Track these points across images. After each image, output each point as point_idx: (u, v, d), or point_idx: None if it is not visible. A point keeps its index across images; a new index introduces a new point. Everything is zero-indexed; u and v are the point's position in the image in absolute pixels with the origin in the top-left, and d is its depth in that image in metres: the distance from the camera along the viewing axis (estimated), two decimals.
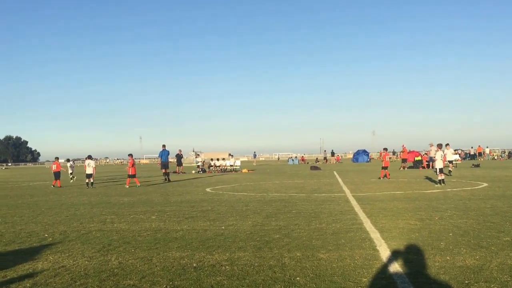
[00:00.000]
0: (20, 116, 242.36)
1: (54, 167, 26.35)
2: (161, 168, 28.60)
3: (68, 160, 31.86)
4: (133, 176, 24.50)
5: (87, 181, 24.52)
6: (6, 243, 8.72)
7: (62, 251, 7.87)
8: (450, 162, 28.19)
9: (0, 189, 25.11)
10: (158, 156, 29.61)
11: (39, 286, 5.79)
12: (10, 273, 6.41)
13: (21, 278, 6.16)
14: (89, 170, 24.60)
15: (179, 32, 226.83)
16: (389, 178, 24.61)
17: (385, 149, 28.54)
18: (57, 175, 25.79)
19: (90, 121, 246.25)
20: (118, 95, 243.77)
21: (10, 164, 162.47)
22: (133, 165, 24.60)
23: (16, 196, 19.64)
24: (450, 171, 27.23)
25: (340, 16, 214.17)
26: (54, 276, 6.20)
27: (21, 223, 11.34)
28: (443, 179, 19.71)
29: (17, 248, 8.29)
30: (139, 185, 23.99)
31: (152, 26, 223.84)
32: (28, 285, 5.86)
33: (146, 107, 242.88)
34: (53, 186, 25.33)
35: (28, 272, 6.48)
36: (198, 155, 48.69)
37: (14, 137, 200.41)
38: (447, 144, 27.23)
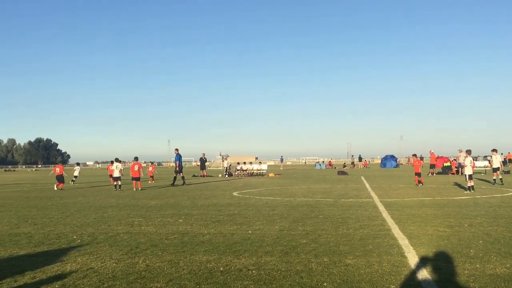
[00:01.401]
0: (51, 118, 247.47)
1: (57, 170, 27.16)
2: (179, 172, 28.65)
3: (77, 164, 32.20)
4: (135, 179, 24.62)
5: (114, 183, 24.88)
6: (36, 244, 8.86)
7: (90, 253, 7.96)
8: (496, 169, 24.41)
9: (30, 191, 25.62)
10: (176, 160, 29.48)
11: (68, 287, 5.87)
12: (39, 274, 6.51)
13: (50, 279, 6.25)
14: (116, 173, 25.00)
15: (205, 38, 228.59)
16: (423, 184, 24.04)
17: (414, 155, 27.86)
18: (59, 178, 26.38)
19: (119, 124, 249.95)
20: (147, 99, 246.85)
21: (40, 166, 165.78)
22: (138, 168, 24.75)
23: (45, 198, 20.00)
24: (501, 179, 24.18)
25: (367, 21, 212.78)
26: (83, 278, 6.27)
27: (50, 225, 11.53)
28: (472, 186, 19.31)
29: (46, 249, 8.42)
30: (140, 189, 24.03)
31: (182, 31, 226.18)
32: (56, 286, 5.93)
33: (174, 111, 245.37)
34: (61, 188, 25.94)
35: (57, 273, 6.57)
36: (225, 159, 48.76)
37: (44, 140, 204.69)
38: (494, 150, 25.55)
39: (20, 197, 20.97)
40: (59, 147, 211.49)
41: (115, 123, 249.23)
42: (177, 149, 29.20)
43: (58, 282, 6.08)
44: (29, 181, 41.06)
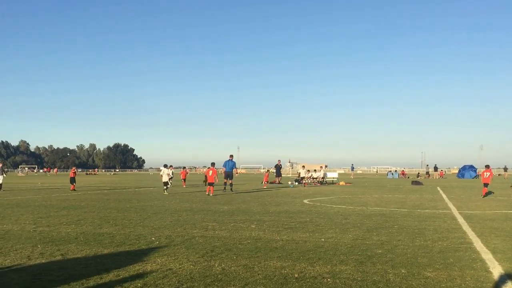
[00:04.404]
0: (128, 124, 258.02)
1: (72, 174, 31.01)
2: (225, 178, 28.47)
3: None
4: (210, 184, 24.96)
5: (164, 187, 26.25)
6: (118, 244, 9.25)
7: (168, 254, 8.20)
8: None
9: (110, 194, 26.78)
10: (223, 166, 29.20)
11: (149, 287, 6.08)
12: (123, 273, 6.79)
13: (133, 278, 6.50)
14: (165, 178, 26.46)
15: (275, 42, 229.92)
16: (483, 196, 22.82)
17: (487, 166, 25.98)
18: (72, 180, 30.11)
19: (191, 130, 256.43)
20: (218, 105, 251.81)
21: (117, 170, 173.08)
22: (212, 173, 25.11)
23: (124, 201, 20.83)
24: None
25: (440, 25, 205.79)
26: (162, 278, 6.48)
27: (130, 226, 11.99)
28: None
29: (127, 249, 8.76)
30: (212, 194, 24.19)
31: (251, 36, 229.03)
32: (139, 284, 6.17)
33: (245, 117, 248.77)
34: (72, 189, 28.99)
35: (138, 272, 6.83)
36: (294, 166, 48.64)
37: (122, 145, 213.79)
38: None
39: (101, 199, 21.96)
40: (135, 152, 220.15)
41: (190, 129, 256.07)
42: (231, 156, 28.71)
43: (140, 281, 6.31)
44: (108, 184, 42.91)
